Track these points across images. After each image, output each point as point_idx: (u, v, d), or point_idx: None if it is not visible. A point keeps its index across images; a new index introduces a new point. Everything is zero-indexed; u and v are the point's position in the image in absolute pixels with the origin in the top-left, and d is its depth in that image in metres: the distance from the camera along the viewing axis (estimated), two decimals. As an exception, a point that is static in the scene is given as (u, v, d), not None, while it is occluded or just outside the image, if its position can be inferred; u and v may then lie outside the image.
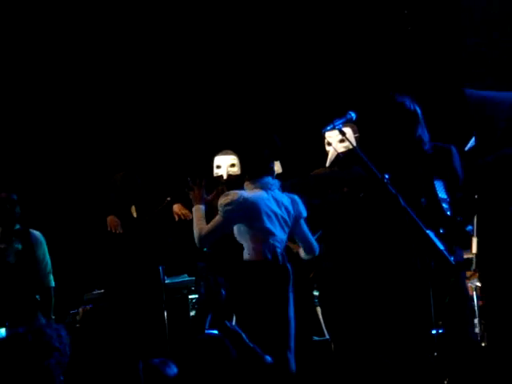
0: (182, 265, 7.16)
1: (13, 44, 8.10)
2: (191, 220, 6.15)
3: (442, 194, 4.60)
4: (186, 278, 7.08)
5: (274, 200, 5.12)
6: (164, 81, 8.39)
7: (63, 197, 8.15)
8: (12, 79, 8.11)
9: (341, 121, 4.47)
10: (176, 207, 6.31)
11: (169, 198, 6.31)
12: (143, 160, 7.92)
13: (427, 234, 4.09)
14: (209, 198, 5.38)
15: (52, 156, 8.26)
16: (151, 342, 5.89)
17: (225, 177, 6.27)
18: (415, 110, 4.73)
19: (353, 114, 4.52)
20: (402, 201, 4.14)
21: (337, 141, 5.71)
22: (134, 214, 6.44)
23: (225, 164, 6.31)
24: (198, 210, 5.19)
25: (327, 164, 5.83)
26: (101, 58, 8.27)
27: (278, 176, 5.84)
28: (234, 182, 6.24)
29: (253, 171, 5.15)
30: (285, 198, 5.18)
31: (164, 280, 6.63)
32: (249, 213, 5.01)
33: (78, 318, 7.09)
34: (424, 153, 4.71)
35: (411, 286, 4.46)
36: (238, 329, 3.83)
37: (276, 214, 5.08)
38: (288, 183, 5.68)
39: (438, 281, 4.34)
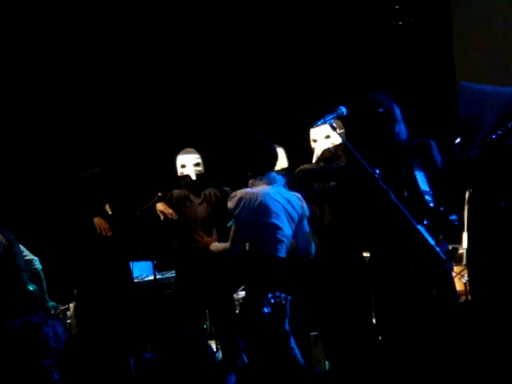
0: (173, 261, 7.15)
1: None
2: (177, 220, 6.20)
3: (424, 186, 4.61)
4: (176, 273, 7.08)
5: (281, 196, 5.13)
6: (142, 77, 8.38)
7: (39, 194, 8.15)
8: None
9: (332, 116, 4.46)
10: (160, 206, 6.26)
11: (160, 194, 6.28)
12: (118, 157, 7.93)
13: (418, 229, 4.10)
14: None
15: (29, 154, 8.24)
16: (141, 337, 5.88)
17: (193, 177, 6.27)
18: (388, 109, 4.76)
19: (343, 109, 4.51)
20: (392, 196, 4.15)
21: (322, 137, 5.72)
22: (109, 212, 6.39)
23: (190, 163, 6.32)
24: (215, 246, 5.40)
25: (314, 160, 5.82)
26: (79, 58, 8.25)
27: (284, 170, 5.86)
28: (202, 181, 6.29)
29: (259, 167, 5.13)
30: (291, 195, 5.18)
31: (155, 275, 6.63)
32: (257, 209, 5.01)
33: (68, 313, 7.08)
34: (404, 147, 4.75)
35: (403, 280, 4.46)
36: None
37: (283, 210, 5.09)
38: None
39: (428, 274, 4.35)
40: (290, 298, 3.75)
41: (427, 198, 4.56)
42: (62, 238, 6.63)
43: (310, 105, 7.54)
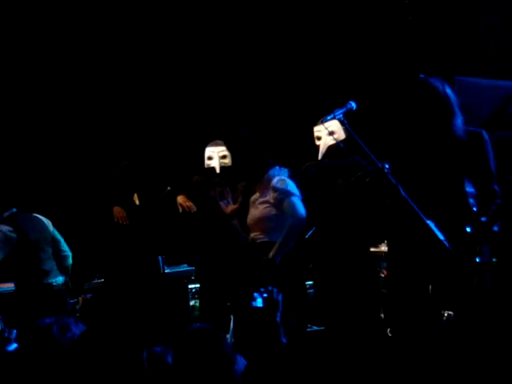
0: (183, 254, 7.17)
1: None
2: (195, 212, 6.20)
3: (469, 187, 4.41)
4: (185, 267, 7.10)
5: None
6: (164, 73, 8.39)
7: (67, 186, 8.16)
8: (8, 70, 8.09)
9: (341, 110, 4.44)
10: (180, 199, 6.28)
11: (169, 188, 6.30)
12: (146, 150, 7.93)
13: (427, 224, 4.09)
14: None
15: (57, 145, 8.27)
16: (152, 330, 5.90)
17: (217, 170, 6.26)
18: (448, 96, 4.31)
19: (353, 104, 4.50)
20: (402, 190, 4.15)
21: (326, 134, 5.69)
22: (137, 202, 6.44)
23: (216, 155, 6.30)
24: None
25: (319, 157, 5.81)
26: (101, 49, 8.26)
27: None
28: (227, 174, 6.26)
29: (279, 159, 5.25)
30: None
31: (164, 269, 6.64)
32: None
33: (77, 307, 7.10)
34: (457, 141, 4.34)
35: (412, 274, 4.45)
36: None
37: None
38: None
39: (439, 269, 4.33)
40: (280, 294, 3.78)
41: (471, 200, 4.33)
42: (83, 228, 6.69)
43: (313, 102, 7.55)
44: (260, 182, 5.20)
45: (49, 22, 8.08)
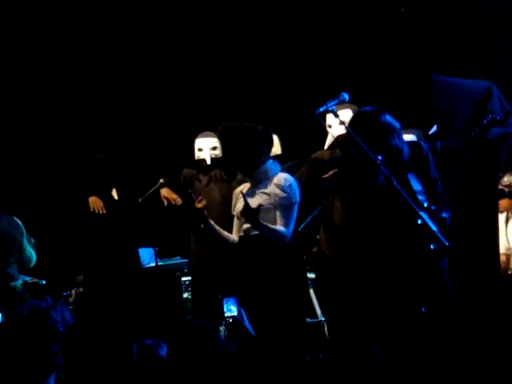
0: (175, 247, 7.15)
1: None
2: (181, 205, 6.15)
3: (416, 186, 4.61)
4: (178, 260, 7.08)
5: None
6: (148, 65, 8.35)
7: (46, 179, 8.13)
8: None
9: (333, 102, 4.47)
10: (164, 191, 6.21)
11: (162, 180, 6.25)
12: (126, 143, 7.91)
13: (421, 216, 4.09)
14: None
15: (33, 138, 8.23)
16: (142, 323, 5.88)
17: (208, 161, 6.21)
18: (385, 122, 4.65)
19: (346, 96, 4.52)
20: (395, 182, 4.15)
21: (337, 123, 5.64)
22: (115, 197, 6.38)
23: (206, 147, 6.24)
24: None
25: (326, 147, 5.78)
26: (87, 43, 8.23)
27: (278, 157, 5.83)
28: (217, 165, 6.21)
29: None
30: None
31: (157, 262, 6.62)
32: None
33: (70, 300, 7.08)
34: (400, 161, 4.67)
35: (407, 272, 4.47)
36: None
37: None
38: (290, 165, 5.65)
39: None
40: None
41: (420, 197, 4.56)
42: (65, 221, 6.65)
43: (310, 92, 7.53)
44: (256, 172, 5.14)
45: (41, 21, 8.05)
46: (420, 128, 6.01)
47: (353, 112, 5.57)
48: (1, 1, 7.96)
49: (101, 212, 6.16)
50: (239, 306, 4.34)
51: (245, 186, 5.24)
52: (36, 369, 3.11)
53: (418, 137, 5.86)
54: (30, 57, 8.17)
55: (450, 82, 5.45)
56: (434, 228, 4.06)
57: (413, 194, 4.50)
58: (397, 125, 4.69)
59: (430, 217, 4.26)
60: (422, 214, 4.09)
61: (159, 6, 8.30)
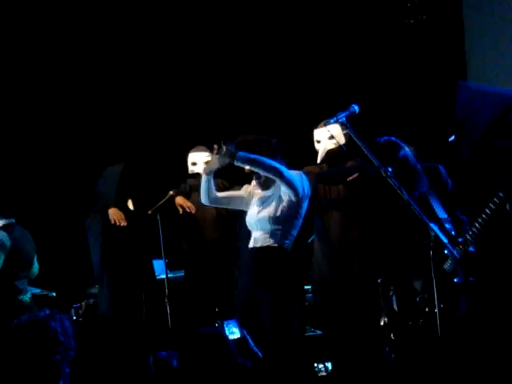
0: (185, 259, 7.15)
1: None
2: (195, 214, 6.21)
3: (441, 213, 4.56)
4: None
5: None
6: (161, 76, 8.37)
7: (62, 188, 8.14)
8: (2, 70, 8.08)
9: (344, 114, 4.46)
10: (179, 199, 6.27)
11: (171, 192, 6.28)
12: (142, 153, 7.92)
13: (431, 227, 4.10)
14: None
15: (50, 148, 8.24)
16: (156, 335, 5.89)
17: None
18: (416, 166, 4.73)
19: (356, 107, 4.52)
20: (405, 194, 4.16)
21: (326, 138, 5.65)
22: (131, 207, 6.39)
23: (200, 161, 6.33)
24: None
25: (318, 161, 5.78)
26: (100, 52, 8.25)
27: None
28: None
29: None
30: None
31: (167, 274, 6.63)
32: None
33: (80, 312, 7.10)
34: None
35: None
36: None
37: None
38: None
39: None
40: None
41: (447, 226, 4.51)
42: (77, 233, 6.65)
43: (314, 104, 7.55)
44: (273, 185, 5.04)
45: (40, 21, 8.07)
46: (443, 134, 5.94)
47: (341, 128, 5.49)
48: (2, 1, 7.99)
49: (122, 224, 6.17)
50: (241, 327, 4.33)
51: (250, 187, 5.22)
52: (40, 380, 3.12)
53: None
54: (41, 66, 8.18)
55: (476, 88, 5.42)
56: (445, 240, 4.08)
57: (439, 221, 4.46)
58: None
59: (455, 247, 4.23)
60: (432, 226, 4.09)
61: (158, 21, 8.32)
